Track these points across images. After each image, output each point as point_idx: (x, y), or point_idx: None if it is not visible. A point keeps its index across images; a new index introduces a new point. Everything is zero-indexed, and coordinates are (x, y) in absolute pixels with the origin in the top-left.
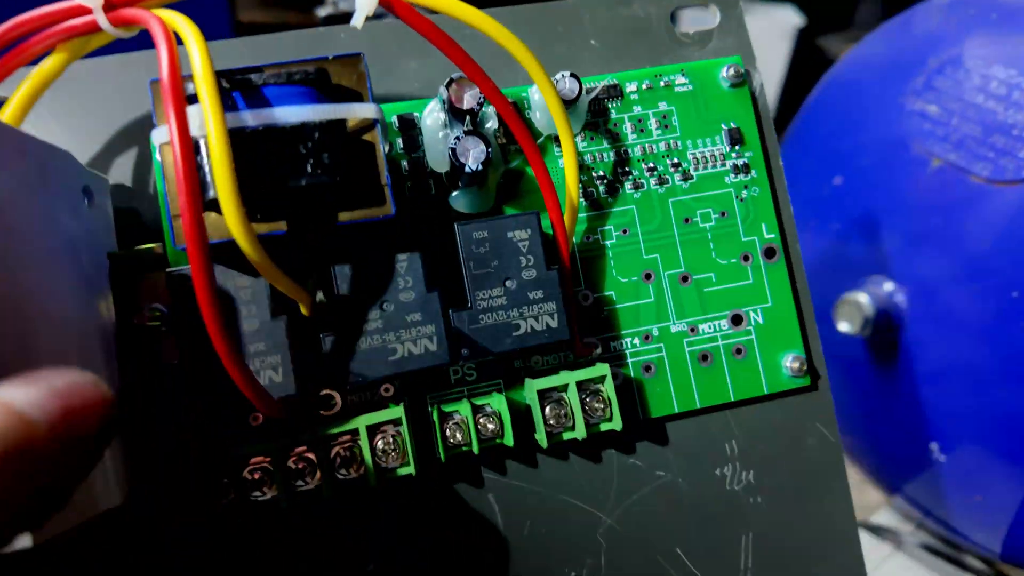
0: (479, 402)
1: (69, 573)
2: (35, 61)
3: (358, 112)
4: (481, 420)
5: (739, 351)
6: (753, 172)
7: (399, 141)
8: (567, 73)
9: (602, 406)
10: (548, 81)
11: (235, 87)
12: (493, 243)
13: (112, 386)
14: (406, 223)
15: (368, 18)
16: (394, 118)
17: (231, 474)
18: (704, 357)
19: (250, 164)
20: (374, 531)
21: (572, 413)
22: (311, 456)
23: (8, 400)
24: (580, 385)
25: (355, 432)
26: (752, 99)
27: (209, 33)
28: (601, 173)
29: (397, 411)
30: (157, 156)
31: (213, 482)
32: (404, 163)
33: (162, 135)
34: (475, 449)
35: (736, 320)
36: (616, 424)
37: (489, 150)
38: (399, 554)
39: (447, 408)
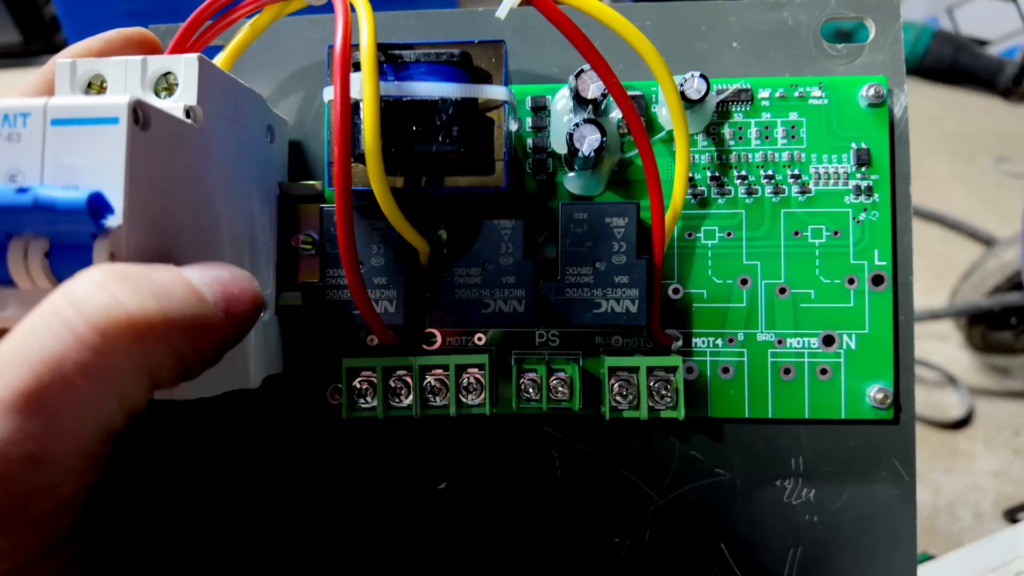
0: (556, 366)
1: (210, 432)
2: (247, 18)
3: (489, 93)
4: (554, 382)
5: (824, 371)
6: (876, 196)
7: (528, 120)
8: (697, 73)
9: (669, 394)
10: (670, 80)
11: (390, 61)
12: (591, 225)
13: (268, 287)
14: (519, 195)
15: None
16: (528, 99)
17: (344, 381)
18: (787, 371)
19: (392, 127)
20: (449, 455)
21: (639, 394)
22: (408, 380)
23: (187, 277)
24: (650, 370)
25: (446, 367)
26: (890, 122)
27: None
28: (716, 174)
29: (483, 358)
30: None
31: (327, 385)
32: (530, 140)
33: (330, 93)
34: (544, 407)
35: (828, 341)
36: (679, 414)
37: (604, 139)
38: (466, 480)
39: (526, 365)
